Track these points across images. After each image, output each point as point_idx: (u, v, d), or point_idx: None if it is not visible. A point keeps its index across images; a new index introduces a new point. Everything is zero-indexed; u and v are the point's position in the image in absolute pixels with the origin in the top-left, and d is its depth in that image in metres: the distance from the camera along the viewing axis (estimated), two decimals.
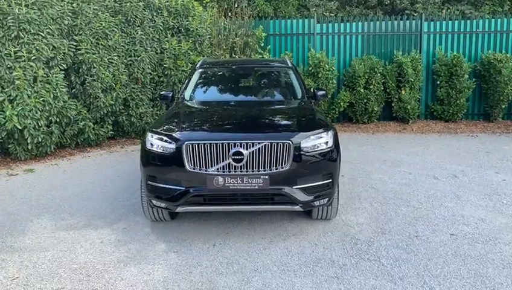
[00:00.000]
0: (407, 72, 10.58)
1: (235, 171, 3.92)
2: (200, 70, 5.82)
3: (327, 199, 4.23)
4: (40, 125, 7.50)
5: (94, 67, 8.37)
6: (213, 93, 5.51)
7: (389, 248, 4.06)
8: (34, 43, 7.42)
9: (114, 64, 8.78)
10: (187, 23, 9.79)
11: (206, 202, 4.04)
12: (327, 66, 10.67)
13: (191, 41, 9.72)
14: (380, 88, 10.85)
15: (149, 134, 4.27)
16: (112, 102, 8.70)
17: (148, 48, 9.33)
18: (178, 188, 4.00)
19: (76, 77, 8.45)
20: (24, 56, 7.29)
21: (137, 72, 9.16)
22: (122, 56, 9.01)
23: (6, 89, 7.15)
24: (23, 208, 5.28)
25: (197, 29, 9.79)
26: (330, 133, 4.30)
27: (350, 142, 9.37)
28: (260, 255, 3.91)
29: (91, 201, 5.50)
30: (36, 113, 7.41)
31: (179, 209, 4.06)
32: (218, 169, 3.92)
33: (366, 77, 10.80)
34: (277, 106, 5.12)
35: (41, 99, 7.50)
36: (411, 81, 10.67)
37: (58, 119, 7.95)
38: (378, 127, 10.95)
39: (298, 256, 3.90)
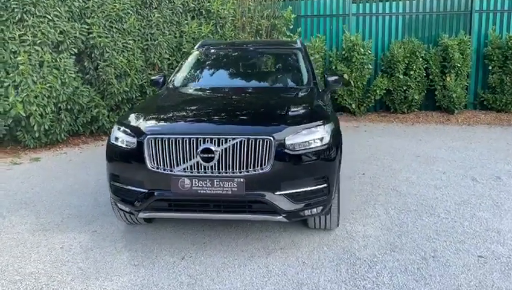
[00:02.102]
0: (454, 57, 9.42)
1: (205, 172, 3.26)
2: (197, 52, 5.18)
3: (321, 207, 3.49)
4: (47, 112, 7.16)
5: (107, 52, 7.94)
6: (204, 79, 4.84)
7: (394, 272, 3.27)
8: (39, 26, 7.05)
9: (129, 48, 8.32)
10: (208, 4, 9.15)
11: (172, 208, 3.41)
12: (362, 50, 9.72)
13: (211, 23, 9.08)
14: (421, 74, 9.77)
15: (115, 126, 3.70)
16: (127, 88, 8.26)
17: (166, 32, 8.80)
18: (139, 190, 3.40)
19: (89, 62, 8.07)
20: (29, 40, 6.95)
21: (154, 57, 8.67)
22: (138, 40, 8.53)
23: (11, 74, 6.84)
24: (4, 202, 4.90)
25: (218, 10, 9.13)
26: (327, 127, 3.52)
27: (384, 134, 8.45)
28: (232, 275, 3.24)
29: (77, 196, 5.05)
30: (43, 99, 7.08)
31: (141, 215, 3.47)
32: (184, 169, 3.28)
33: (406, 62, 9.76)
34: (273, 94, 4.37)
35: (48, 85, 7.15)
36: (458, 66, 9.50)
37: (69, 106, 7.61)
38: (418, 117, 9.89)
39: (277, 278, 3.20)
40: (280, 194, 3.29)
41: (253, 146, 3.23)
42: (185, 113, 3.81)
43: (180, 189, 3.25)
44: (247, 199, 3.27)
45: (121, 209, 3.66)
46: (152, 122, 3.55)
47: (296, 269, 3.32)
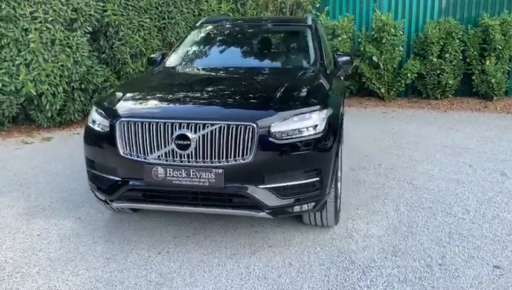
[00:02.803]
0: (495, 38, 8.63)
1: (181, 161, 2.93)
2: (197, 30, 4.83)
3: (313, 203, 3.10)
4: (59, 91, 7.04)
5: (122, 31, 7.71)
6: (200, 58, 4.47)
7: (391, 281, 2.86)
8: (51, 3, 6.88)
9: (145, 27, 8.08)
10: None
11: (146, 199, 3.11)
12: (393, 30, 9.07)
13: (232, 1, 8.68)
14: (458, 57, 9.04)
15: (93, 107, 3.42)
16: (143, 68, 8.03)
17: (184, 10, 8.48)
18: (112, 178, 3.13)
19: (105, 41, 7.88)
20: (40, 17, 6.80)
21: (172, 36, 8.38)
22: (155, 19, 8.27)
23: (22, 52, 6.73)
24: (1, 183, 4.77)
25: None
26: (323, 113, 3.11)
27: (412, 120, 7.86)
28: (206, 275, 2.93)
29: (74, 179, 4.87)
30: (54, 78, 6.96)
31: (114, 204, 3.20)
32: (159, 157, 2.97)
33: (441, 44, 9.05)
34: (270, 75, 3.97)
35: (60, 64, 7.01)
36: (499, 49, 8.71)
37: (83, 86, 7.46)
38: (452, 104, 9.19)
39: (256, 282, 2.86)
40: (264, 188, 2.93)
41: (233, 133, 2.87)
42: (165, 95, 3.47)
43: (153, 179, 2.95)
44: (226, 192, 2.93)
45: (97, 197, 3.41)
46: (127, 104, 3.24)
47: (280, 271, 2.97)
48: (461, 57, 9.04)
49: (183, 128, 2.90)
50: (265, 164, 2.91)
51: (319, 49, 4.27)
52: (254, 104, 3.21)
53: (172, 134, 2.91)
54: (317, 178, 3.05)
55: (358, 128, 7.33)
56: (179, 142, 2.89)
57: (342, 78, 4.93)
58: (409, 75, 9.23)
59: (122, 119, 3.04)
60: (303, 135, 2.99)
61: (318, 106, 3.12)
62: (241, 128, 2.87)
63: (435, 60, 9.06)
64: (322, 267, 3.01)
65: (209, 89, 3.55)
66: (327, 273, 2.94)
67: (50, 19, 6.86)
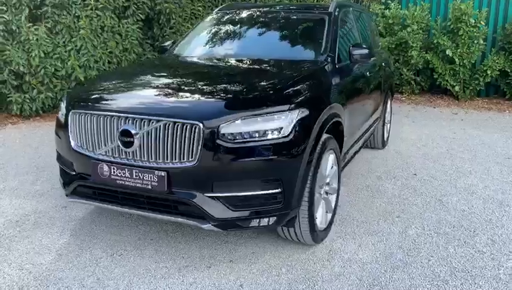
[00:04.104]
0: None
1: (127, 159, 2.68)
2: (209, 17, 4.53)
3: (275, 218, 2.67)
4: None
5: (173, 19, 7.70)
6: (198, 47, 4.10)
7: None
8: None
9: (198, 15, 7.98)
10: None
11: (96, 197, 2.90)
12: (472, 21, 7.99)
13: None
14: None
15: (64, 97, 3.29)
16: None
17: None
18: (68, 171, 2.99)
19: (158, 28, 7.93)
20: (91, 4, 6.97)
21: None
22: (208, 7, 8.14)
23: (74, 39, 6.97)
24: (24, 164, 4.93)
25: None
26: (292, 114, 2.65)
27: (483, 125, 6.88)
28: (142, 288, 2.65)
29: None
30: (103, 64, 7.14)
31: (68, 199, 3.04)
32: (106, 153, 2.74)
33: None
34: (256, 67, 3.52)
35: (109, 50, 7.18)
36: None
37: None
38: None
39: None
40: (211, 197, 2.57)
41: (178, 132, 2.54)
42: (126, 87, 3.18)
43: (99, 176, 2.74)
44: (168, 197, 2.62)
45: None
46: (84, 95, 3.05)
47: None
48: None
49: (128, 123, 2.63)
50: (213, 169, 2.54)
51: (333, 40, 3.73)
52: (208, 100, 2.83)
53: (118, 129, 2.66)
54: (279, 189, 2.61)
55: (415, 130, 6.57)
56: (123, 138, 2.63)
57: (369, 73, 4.33)
58: (488, 72, 8.11)
59: (74, 110, 2.86)
60: (262, 138, 2.57)
61: (287, 106, 2.66)
62: (186, 127, 2.53)
63: None
64: None
65: (177, 82, 3.23)
66: None
67: (100, 6, 7.01)
